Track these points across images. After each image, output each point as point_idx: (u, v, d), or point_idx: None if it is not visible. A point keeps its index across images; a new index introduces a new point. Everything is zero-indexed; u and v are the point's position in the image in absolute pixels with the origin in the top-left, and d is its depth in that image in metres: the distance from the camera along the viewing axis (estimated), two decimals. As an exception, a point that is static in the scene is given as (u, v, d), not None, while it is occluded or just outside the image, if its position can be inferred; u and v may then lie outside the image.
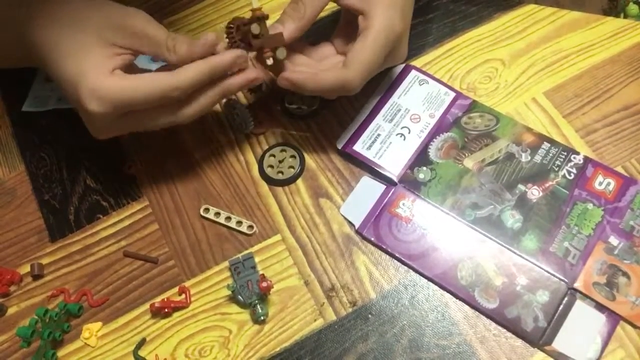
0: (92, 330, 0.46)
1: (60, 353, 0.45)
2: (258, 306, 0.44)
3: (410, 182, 0.48)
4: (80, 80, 0.40)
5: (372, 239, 0.46)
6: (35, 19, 0.42)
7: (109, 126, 0.43)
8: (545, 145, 0.48)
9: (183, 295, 0.46)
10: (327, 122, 0.52)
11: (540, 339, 0.41)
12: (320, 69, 0.47)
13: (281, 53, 0.45)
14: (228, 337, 0.44)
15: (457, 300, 0.44)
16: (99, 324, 0.46)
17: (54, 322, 0.45)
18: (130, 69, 0.44)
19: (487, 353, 0.42)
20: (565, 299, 0.42)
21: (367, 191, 0.48)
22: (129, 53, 0.43)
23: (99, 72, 0.41)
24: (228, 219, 0.48)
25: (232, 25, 0.44)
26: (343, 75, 0.43)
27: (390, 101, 0.51)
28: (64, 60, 0.41)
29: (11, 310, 0.47)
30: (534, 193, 0.46)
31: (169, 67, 0.43)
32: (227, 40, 0.44)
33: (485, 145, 0.49)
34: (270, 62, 0.45)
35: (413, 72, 0.52)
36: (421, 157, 0.48)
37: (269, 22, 0.44)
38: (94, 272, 0.48)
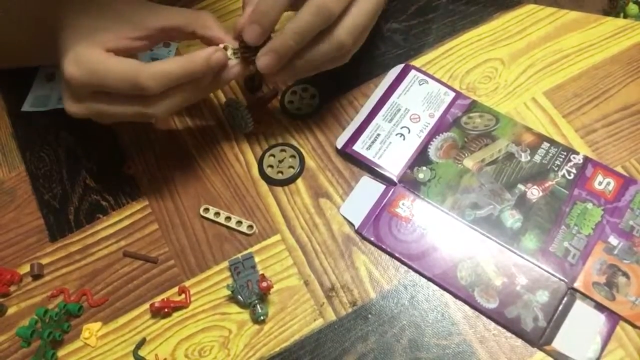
0: (92, 330, 0.46)
1: (60, 353, 0.45)
2: (258, 306, 0.44)
3: (410, 182, 0.48)
4: (73, 46, 0.41)
5: (372, 239, 0.46)
6: (65, 7, 0.43)
7: (81, 98, 0.42)
8: (545, 145, 0.48)
9: (183, 295, 0.46)
10: (326, 122, 0.52)
11: (540, 338, 0.41)
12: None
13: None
14: (228, 337, 0.44)
15: (457, 300, 0.44)
16: (99, 323, 0.46)
17: (54, 322, 0.45)
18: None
19: (486, 353, 0.42)
20: (565, 298, 0.42)
21: (367, 191, 0.48)
22: (138, 45, 0.44)
23: (92, 44, 0.41)
24: (228, 218, 0.48)
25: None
26: (335, 39, 0.41)
27: (390, 101, 0.51)
28: (73, 38, 0.42)
29: (11, 310, 0.47)
30: (534, 193, 0.46)
31: None
32: (240, 54, 0.44)
33: (485, 145, 0.49)
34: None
35: (413, 72, 0.52)
36: (421, 157, 0.48)
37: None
38: (93, 272, 0.48)
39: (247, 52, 0.43)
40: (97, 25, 0.42)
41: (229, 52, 0.43)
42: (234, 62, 0.43)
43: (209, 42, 0.45)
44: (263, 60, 0.41)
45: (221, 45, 0.43)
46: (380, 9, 0.43)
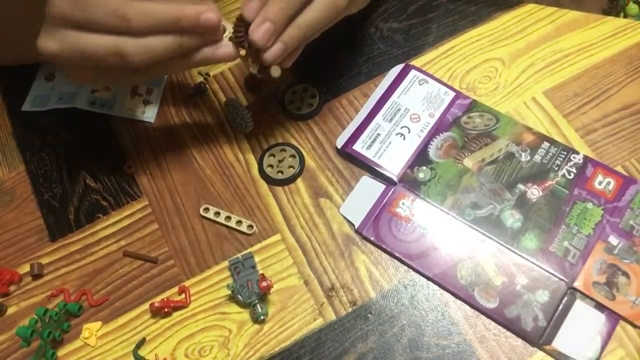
0: (91, 329, 0.46)
1: (60, 353, 0.45)
2: (258, 306, 0.44)
3: (410, 182, 0.48)
4: None
5: (372, 238, 0.46)
6: None
7: (58, 32, 0.39)
8: (545, 144, 0.48)
9: (183, 295, 0.46)
10: (326, 121, 0.52)
11: (540, 338, 0.41)
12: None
13: (275, 71, 0.42)
14: (228, 337, 0.44)
15: (457, 299, 0.44)
16: (99, 323, 0.46)
17: (54, 321, 0.45)
18: None
19: (486, 352, 0.42)
20: (565, 298, 0.42)
21: (367, 191, 0.48)
22: None
23: None
24: (228, 218, 0.48)
25: (242, 25, 0.42)
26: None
27: (390, 101, 0.51)
28: None
29: (11, 310, 0.47)
30: (534, 193, 0.46)
31: None
32: (233, 34, 0.43)
33: (485, 144, 0.49)
34: (254, 70, 0.42)
35: (413, 72, 0.52)
36: (421, 157, 0.48)
37: None
38: (93, 271, 0.48)
39: (240, 33, 0.41)
40: None
41: (225, 34, 0.41)
42: (226, 42, 0.41)
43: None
44: (258, 31, 0.39)
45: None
46: None
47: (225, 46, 0.41)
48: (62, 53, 0.39)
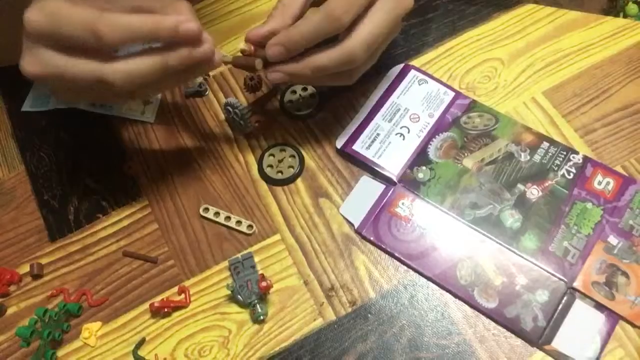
0: (91, 330, 0.46)
1: (60, 353, 0.45)
2: (257, 306, 0.44)
3: (409, 182, 0.48)
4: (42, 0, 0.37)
5: (372, 238, 0.46)
6: None
7: (38, 53, 0.38)
8: (545, 144, 0.48)
9: (182, 295, 0.46)
10: (326, 121, 0.52)
11: (539, 338, 0.41)
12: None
13: (258, 64, 0.42)
14: (228, 337, 0.44)
15: (457, 299, 0.44)
16: (99, 323, 0.46)
17: (54, 322, 0.45)
18: None
19: (486, 352, 0.42)
20: (565, 298, 0.42)
21: (367, 191, 0.48)
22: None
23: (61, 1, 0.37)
24: (227, 218, 0.48)
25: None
26: (346, 48, 0.40)
27: (390, 101, 0.51)
28: None
29: (11, 310, 0.47)
30: (534, 192, 0.46)
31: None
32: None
33: (485, 144, 0.49)
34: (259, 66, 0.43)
35: (412, 72, 0.52)
36: (420, 157, 0.48)
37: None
38: (93, 271, 0.48)
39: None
40: None
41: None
42: (219, 56, 0.41)
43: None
44: (273, 49, 0.41)
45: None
46: (396, 27, 0.43)
47: (205, 49, 0.39)
48: (45, 76, 0.39)
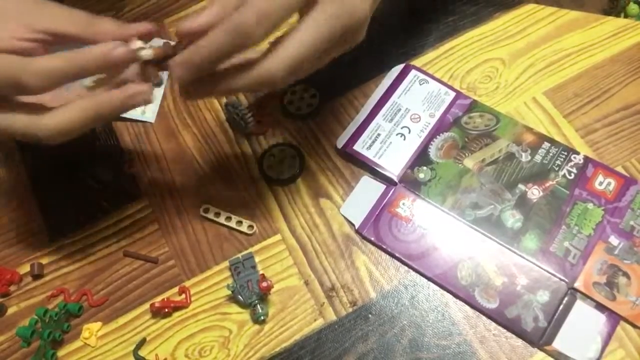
0: (92, 330, 0.46)
1: (60, 353, 0.45)
2: (258, 306, 0.44)
3: (410, 182, 0.48)
4: None
5: (372, 238, 0.46)
6: None
7: None
8: (546, 145, 0.48)
9: (183, 295, 0.46)
10: (327, 121, 0.52)
11: (540, 338, 0.41)
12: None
13: (147, 53, 0.37)
14: (228, 337, 0.44)
15: (457, 300, 0.44)
16: (99, 323, 0.46)
17: (54, 322, 0.45)
18: None
19: (487, 353, 0.42)
20: (566, 298, 0.42)
21: (367, 191, 0.48)
22: (44, 39, 0.37)
23: None
24: (228, 218, 0.48)
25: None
26: (264, 69, 0.34)
27: (391, 101, 0.51)
28: None
29: (11, 310, 0.47)
30: (534, 193, 0.46)
31: None
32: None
33: (486, 145, 0.48)
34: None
35: (413, 72, 0.52)
36: (421, 157, 0.48)
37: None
38: (94, 272, 0.48)
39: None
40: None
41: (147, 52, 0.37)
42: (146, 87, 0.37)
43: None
44: (177, 71, 0.35)
45: (138, 43, 0.37)
46: (339, 43, 0.37)
47: (130, 87, 0.37)
48: None
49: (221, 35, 0.33)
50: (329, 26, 0.34)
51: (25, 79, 0.34)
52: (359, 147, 0.49)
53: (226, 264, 0.47)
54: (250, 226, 0.48)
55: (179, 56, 0.35)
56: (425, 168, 0.48)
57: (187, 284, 0.47)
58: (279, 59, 0.34)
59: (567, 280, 0.43)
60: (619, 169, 0.47)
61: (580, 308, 0.42)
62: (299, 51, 0.34)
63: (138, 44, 0.37)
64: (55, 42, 0.38)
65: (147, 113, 0.54)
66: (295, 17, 0.35)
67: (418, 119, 0.50)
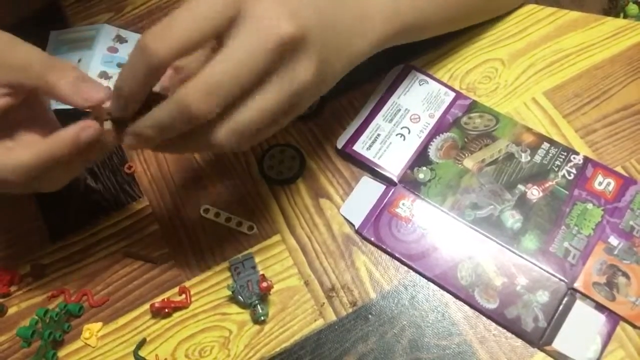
0: (92, 330, 0.46)
1: (61, 353, 0.45)
2: (258, 306, 0.44)
3: (410, 182, 0.48)
4: None
5: (372, 239, 0.46)
6: None
7: None
8: (545, 145, 0.48)
9: (183, 296, 0.46)
10: (327, 122, 0.52)
11: (540, 339, 0.41)
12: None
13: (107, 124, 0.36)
14: (228, 338, 0.44)
15: (457, 300, 0.44)
16: (100, 324, 0.46)
17: (55, 322, 0.45)
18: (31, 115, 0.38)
19: (487, 353, 0.42)
20: (565, 299, 0.42)
21: (367, 191, 0.48)
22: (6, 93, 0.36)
23: None
24: (228, 219, 0.48)
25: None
26: (213, 140, 0.32)
27: (390, 101, 0.51)
28: None
29: (11, 311, 0.47)
30: (534, 193, 0.46)
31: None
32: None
33: (485, 145, 0.49)
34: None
35: (413, 72, 0.52)
36: (421, 157, 0.48)
37: None
38: (94, 272, 0.48)
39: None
40: None
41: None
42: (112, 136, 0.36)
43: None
44: (127, 140, 0.34)
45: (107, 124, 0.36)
46: (291, 108, 0.35)
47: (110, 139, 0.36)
48: None
49: (164, 113, 0.32)
50: (287, 90, 0.33)
51: (7, 177, 0.35)
52: (358, 147, 0.49)
53: (226, 264, 0.47)
54: (250, 226, 0.48)
55: (130, 128, 0.34)
56: (425, 168, 0.48)
57: (187, 284, 0.47)
58: (230, 129, 0.32)
59: (566, 280, 0.43)
60: (619, 169, 0.47)
61: (580, 308, 0.42)
62: (250, 122, 0.33)
63: (107, 124, 0.36)
64: (21, 93, 0.37)
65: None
66: None
67: (418, 119, 0.50)
